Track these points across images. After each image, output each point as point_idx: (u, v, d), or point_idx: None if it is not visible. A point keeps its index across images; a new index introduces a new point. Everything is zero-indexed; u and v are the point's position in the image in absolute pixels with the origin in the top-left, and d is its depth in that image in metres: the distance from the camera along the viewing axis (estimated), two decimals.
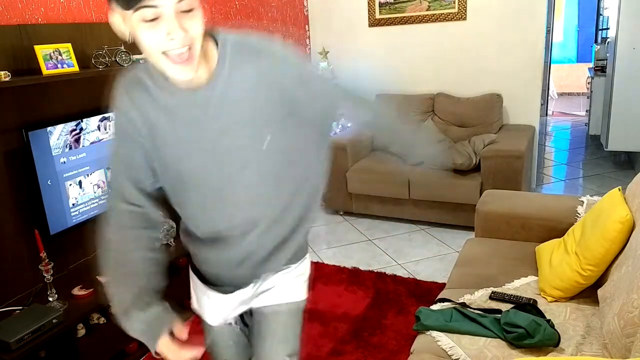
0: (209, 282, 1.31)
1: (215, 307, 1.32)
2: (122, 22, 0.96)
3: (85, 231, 2.56)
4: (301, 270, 1.35)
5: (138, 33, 0.94)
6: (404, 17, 4.34)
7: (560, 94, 8.80)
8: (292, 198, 1.20)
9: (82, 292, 2.29)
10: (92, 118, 2.45)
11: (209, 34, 1.05)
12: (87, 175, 2.45)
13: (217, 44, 1.05)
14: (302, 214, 1.24)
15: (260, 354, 1.32)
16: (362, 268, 3.24)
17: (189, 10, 0.94)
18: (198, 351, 1.12)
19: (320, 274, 3.16)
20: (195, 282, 1.35)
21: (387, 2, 4.38)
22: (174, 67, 0.96)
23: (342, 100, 1.25)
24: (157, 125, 1.10)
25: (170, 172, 1.14)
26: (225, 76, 1.04)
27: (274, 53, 1.09)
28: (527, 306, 1.81)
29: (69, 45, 2.33)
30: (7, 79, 2.04)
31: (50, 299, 2.22)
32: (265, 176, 1.15)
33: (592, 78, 5.58)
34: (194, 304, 1.39)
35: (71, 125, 2.35)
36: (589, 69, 6.39)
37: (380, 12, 4.43)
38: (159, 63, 0.97)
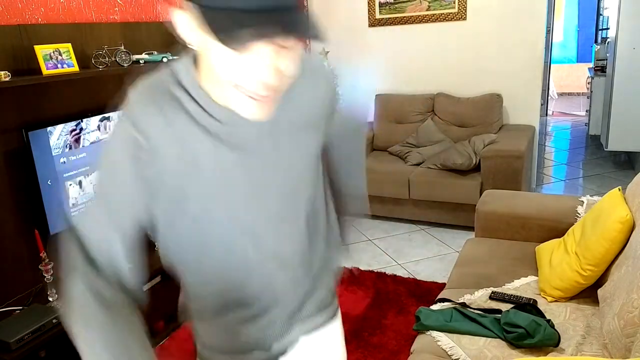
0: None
1: None
2: (193, 27, 0.72)
3: None
4: (334, 329, 1.12)
5: (211, 53, 0.72)
6: (404, 17, 4.34)
7: (560, 94, 8.80)
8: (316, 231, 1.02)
9: None
10: (92, 118, 2.45)
11: None
12: (87, 175, 2.45)
13: None
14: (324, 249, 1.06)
15: None
16: (362, 268, 3.24)
17: (290, 47, 0.72)
18: None
19: None
20: None
21: (387, 2, 4.38)
22: (246, 102, 0.75)
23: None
24: (200, 157, 0.82)
25: (197, 223, 0.87)
26: (288, 99, 0.85)
27: (327, 74, 0.95)
28: (527, 306, 1.81)
29: (69, 45, 2.33)
30: (7, 79, 2.04)
31: (50, 299, 2.22)
32: (302, 215, 0.97)
33: (592, 78, 5.58)
34: None
35: (71, 125, 2.35)
36: (589, 69, 6.39)
37: (380, 12, 4.43)
38: (224, 92, 0.76)
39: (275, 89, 0.75)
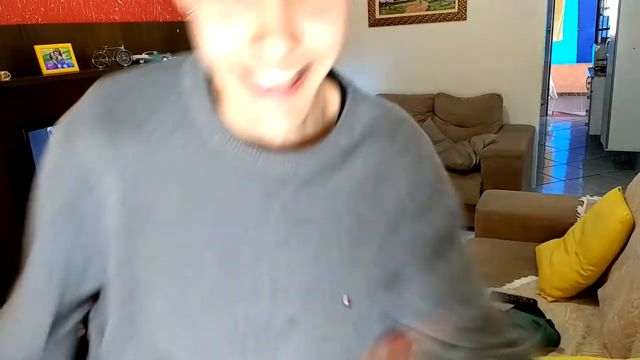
0: None
1: None
2: None
3: None
4: None
5: (200, 18, 0.44)
6: (404, 17, 4.34)
7: (560, 94, 8.80)
8: None
9: None
10: None
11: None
12: None
13: (340, 90, 0.57)
14: None
15: None
16: None
17: None
18: None
19: None
20: None
21: (387, 2, 4.38)
22: (258, 101, 0.45)
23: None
24: (154, 201, 0.52)
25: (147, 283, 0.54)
26: (342, 150, 0.54)
27: (425, 152, 0.62)
28: (527, 306, 1.81)
29: (69, 45, 2.33)
30: (7, 79, 2.04)
31: None
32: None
33: (592, 78, 5.58)
34: None
35: None
36: (589, 69, 6.40)
37: (380, 12, 4.43)
38: (229, 86, 0.47)
39: (306, 68, 0.44)
